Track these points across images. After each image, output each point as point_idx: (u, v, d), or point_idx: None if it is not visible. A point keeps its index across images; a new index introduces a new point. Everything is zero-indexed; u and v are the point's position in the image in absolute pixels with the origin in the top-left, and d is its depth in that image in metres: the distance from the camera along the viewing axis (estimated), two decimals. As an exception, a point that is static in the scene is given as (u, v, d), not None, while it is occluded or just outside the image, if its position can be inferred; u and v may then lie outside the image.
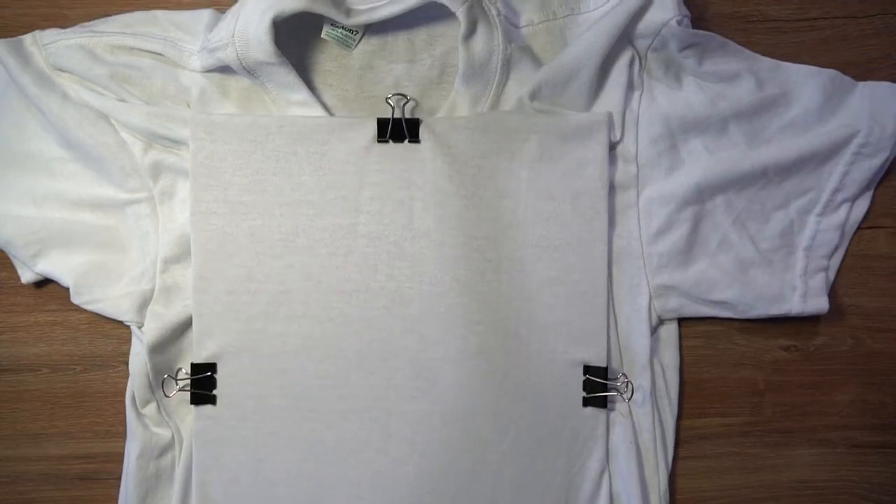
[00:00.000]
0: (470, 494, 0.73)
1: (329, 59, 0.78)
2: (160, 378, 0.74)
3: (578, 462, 0.74)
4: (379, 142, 0.73)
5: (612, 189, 0.75)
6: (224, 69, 0.74)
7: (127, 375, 0.75)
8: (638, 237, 0.76)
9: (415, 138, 0.73)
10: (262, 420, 0.73)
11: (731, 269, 0.76)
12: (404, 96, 0.74)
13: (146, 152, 0.74)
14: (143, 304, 0.74)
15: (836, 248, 0.78)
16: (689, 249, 0.76)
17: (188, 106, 0.75)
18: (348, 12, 0.73)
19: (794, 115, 0.77)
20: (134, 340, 0.75)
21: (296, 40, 0.76)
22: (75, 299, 0.75)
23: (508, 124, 0.73)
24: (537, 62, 0.76)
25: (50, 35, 0.75)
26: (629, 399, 0.75)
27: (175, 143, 0.74)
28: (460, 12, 0.71)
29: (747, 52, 0.77)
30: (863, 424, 0.80)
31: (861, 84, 0.78)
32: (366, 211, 0.73)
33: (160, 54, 0.75)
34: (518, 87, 0.75)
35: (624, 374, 0.75)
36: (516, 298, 0.73)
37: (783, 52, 0.80)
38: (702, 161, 0.75)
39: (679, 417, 0.78)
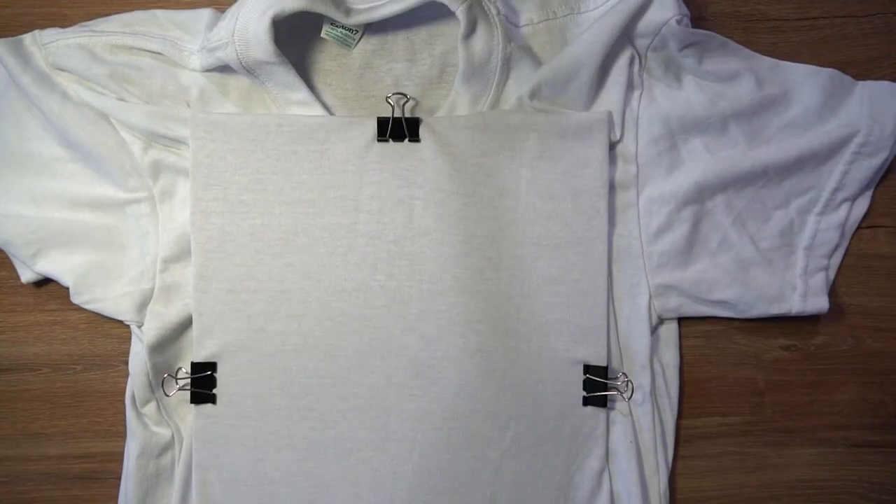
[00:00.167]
0: (469, 493, 0.73)
1: (329, 59, 0.78)
2: (160, 377, 0.74)
3: (578, 461, 0.74)
4: (379, 141, 0.73)
5: (611, 188, 0.75)
6: (224, 68, 0.74)
7: (127, 375, 0.75)
8: (638, 236, 0.76)
9: (415, 137, 0.73)
10: (261, 419, 0.73)
11: (731, 269, 0.76)
12: (404, 95, 0.74)
13: (146, 152, 0.74)
14: (143, 304, 0.74)
15: (836, 248, 0.78)
16: (689, 249, 0.76)
17: (188, 105, 0.75)
18: (348, 11, 0.73)
19: (794, 115, 0.77)
20: (134, 340, 0.75)
21: (295, 39, 0.76)
22: (75, 299, 0.75)
23: (508, 123, 0.73)
24: (537, 61, 0.76)
25: (50, 34, 0.75)
26: (629, 398, 0.75)
27: (175, 142, 0.74)
28: (460, 11, 0.71)
29: (747, 51, 0.78)
30: (863, 424, 0.80)
31: (861, 83, 0.78)
32: (366, 210, 0.73)
33: (160, 54, 0.75)
34: (518, 86, 0.75)
35: (624, 374, 0.75)
36: (516, 297, 0.73)
37: (783, 52, 0.80)
38: (702, 161, 0.75)
39: (679, 417, 0.78)
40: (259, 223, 0.73)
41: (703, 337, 0.80)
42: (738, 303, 0.76)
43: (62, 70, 0.74)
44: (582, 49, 0.74)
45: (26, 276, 0.77)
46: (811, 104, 0.76)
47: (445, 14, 0.73)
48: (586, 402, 0.74)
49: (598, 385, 0.74)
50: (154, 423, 0.75)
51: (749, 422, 0.80)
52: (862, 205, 0.78)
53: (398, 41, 0.77)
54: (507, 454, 0.73)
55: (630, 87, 0.76)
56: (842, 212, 0.77)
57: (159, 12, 0.77)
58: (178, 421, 0.75)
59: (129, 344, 0.76)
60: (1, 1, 0.80)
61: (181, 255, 0.74)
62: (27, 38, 0.75)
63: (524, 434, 0.74)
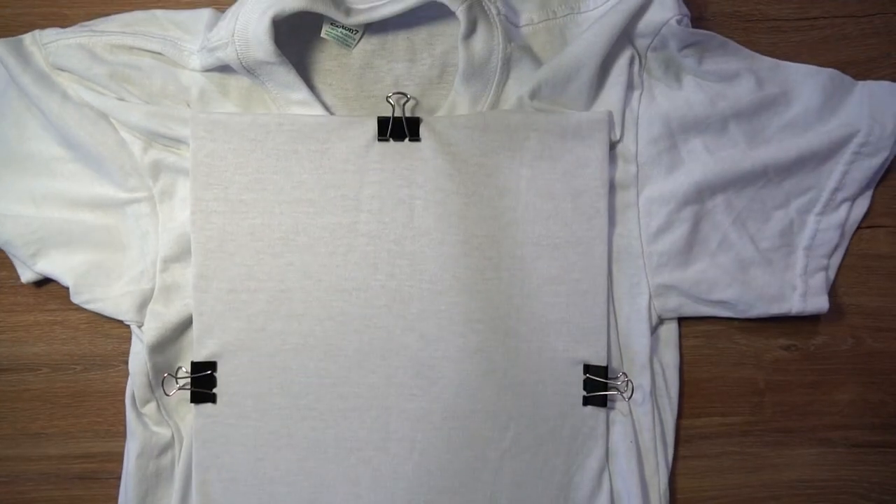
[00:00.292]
0: (469, 492, 0.73)
1: (329, 59, 0.78)
2: (160, 377, 0.74)
3: (578, 460, 0.74)
4: (379, 140, 0.73)
5: (612, 188, 0.75)
6: (224, 68, 0.74)
7: (127, 375, 0.75)
8: (638, 236, 0.76)
9: (415, 137, 0.73)
10: (261, 418, 0.73)
11: (731, 269, 0.76)
12: (405, 95, 0.74)
13: (146, 151, 0.74)
14: (143, 304, 0.74)
15: (836, 248, 0.78)
16: (688, 249, 0.76)
17: (188, 105, 0.75)
18: (348, 11, 0.73)
19: (794, 115, 0.77)
20: (134, 340, 0.75)
21: (295, 39, 0.76)
22: (75, 299, 0.75)
23: (509, 123, 0.73)
24: (537, 61, 0.76)
25: (50, 34, 0.75)
26: (629, 398, 0.75)
27: (175, 141, 0.74)
28: (460, 11, 0.71)
29: (747, 51, 0.78)
30: (863, 424, 0.80)
31: (861, 83, 0.78)
32: (366, 209, 0.73)
33: (160, 53, 0.75)
34: (518, 86, 0.75)
35: (624, 373, 0.75)
36: (516, 296, 0.74)
37: (783, 52, 0.80)
38: (701, 161, 0.76)
39: (679, 417, 0.78)
40: (259, 222, 0.73)
41: (703, 337, 0.80)
42: (738, 303, 0.76)
43: (62, 70, 0.74)
44: (582, 49, 0.74)
45: (26, 276, 0.77)
46: (811, 104, 0.77)
47: (445, 14, 0.73)
48: (586, 401, 0.74)
49: (598, 385, 0.74)
50: (154, 423, 0.75)
51: (749, 422, 0.80)
52: (862, 205, 0.78)
53: (398, 41, 0.77)
54: (508, 454, 0.73)
55: (630, 86, 0.76)
56: (842, 212, 0.77)
57: (159, 12, 0.77)
58: (178, 421, 0.75)
59: (129, 344, 0.76)
60: (1, 1, 0.80)
61: (181, 254, 0.74)
62: (27, 38, 0.75)
63: (524, 434, 0.74)
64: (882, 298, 0.80)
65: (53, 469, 0.78)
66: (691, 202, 0.75)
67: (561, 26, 0.77)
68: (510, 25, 0.75)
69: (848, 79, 0.78)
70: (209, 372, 0.73)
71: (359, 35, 0.77)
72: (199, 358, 0.73)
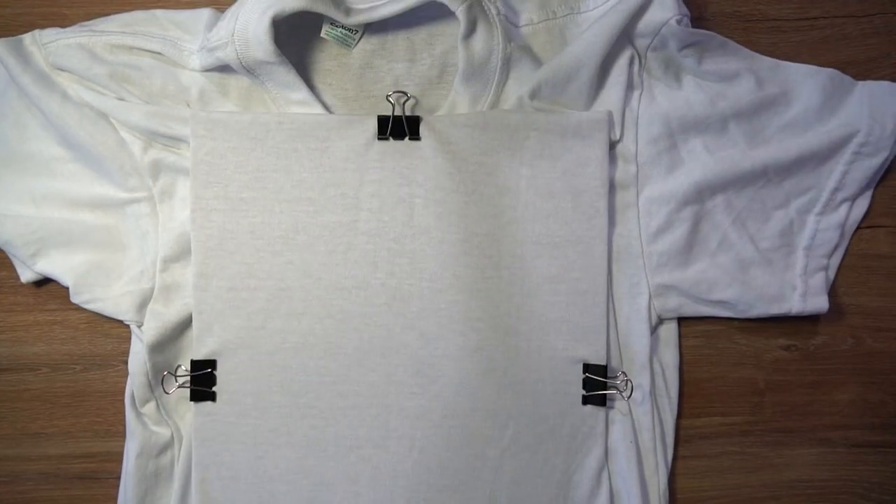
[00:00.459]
0: (469, 491, 0.73)
1: (329, 59, 0.78)
2: (160, 377, 0.74)
3: (577, 459, 0.74)
4: (379, 139, 0.73)
5: (611, 188, 0.75)
6: (224, 68, 0.74)
7: (126, 374, 0.75)
8: (638, 236, 0.76)
9: (415, 135, 0.73)
10: (261, 416, 0.73)
11: (731, 269, 0.76)
12: (405, 94, 0.74)
13: (146, 151, 0.74)
14: (143, 303, 0.74)
15: (835, 248, 0.78)
16: (688, 249, 0.76)
17: (188, 105, 0.75)
18: (348, 11, 0.73)
19: (794, 115, 0.77)
20: (133, 339, 0.75)
21: (295, 39, 0.76)
22: (75, 298, 0.75)
23: (509, 122, 0.73)
24: (537, 61, 0.76)
25: (49, 34, 0.75)
26: (628, 397, 0.75)
27: (175, 141, 0.74)
28: (460, 11, 0.71)
29: (747, 51, 0.78)
30: (863, 424, 0.80)
31: (861, 83, 0.78)
32: (366, 208, 0.73)
33: (160, 53, 0.75)
34: (518, 86, 0.75)
35: (623, 373, 0.75)
36: (516, 295, 0.74)
37: (783, 52, 0.80)
38: (701, 160, 0.76)
39: (679, 417, 0.78)
40: (259, 221, 0.73)
41: (703, 337, 0.80)
42: (738, 303, 0.76)
43: (62, 70, 0.74)
44: (582, 49, 0.74)
45: (26, 275, 0.77)
46: (811, 104, 0.77)
47: (445, 14, 0.73)
48: (586, 400, 0.74)
49: (597, 384, 0.74)
50: (153, 423, 0.75)
51: (749, 422, 0.79)
52: (862, 205, 0.78)
53: (398, 41, 0.78)
54: (507, 452, 0.73)
55: (630, 86, 0.76)
56: (842, 212, 0.77)
57: (159, 12, 0.77)
58: (178, 420, 0.75)
59: (129, 344, 0.76)
60: (1, 1, 0.80)
61: (181, 254, 0.74)
62: (27, 38, 0.75)
63: (524, 432, 0.74)
64: (882, 298, 0.80)
65: (53, 469, 0.78)
66: (691, 202, 0.75)
67: (561, 26, 0.77)
68: (510, 25, 0.75)
69: (848, 79, 0.78)
70: (209, 370, 0.73)
71: (359, 35, 0.77)
72: (199, 356, 0.73)
